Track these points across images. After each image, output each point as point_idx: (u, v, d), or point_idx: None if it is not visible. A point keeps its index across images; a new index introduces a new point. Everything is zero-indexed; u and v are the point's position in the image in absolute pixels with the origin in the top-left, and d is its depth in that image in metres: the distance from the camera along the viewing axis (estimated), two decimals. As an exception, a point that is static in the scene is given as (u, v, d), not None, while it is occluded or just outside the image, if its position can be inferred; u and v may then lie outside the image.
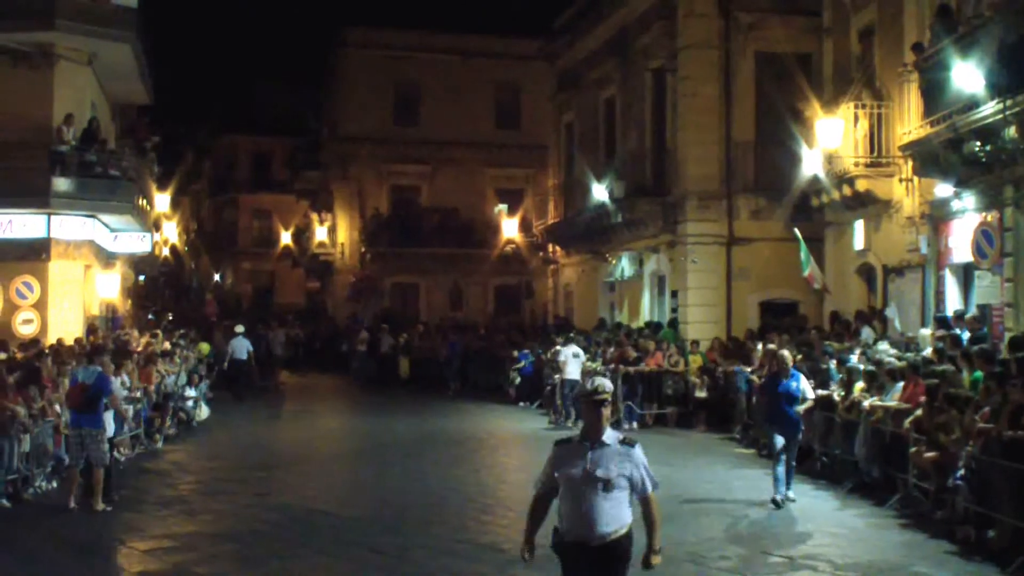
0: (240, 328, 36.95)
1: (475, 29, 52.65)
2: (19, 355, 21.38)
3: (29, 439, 17.10)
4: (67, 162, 27.22)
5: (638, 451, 8.11)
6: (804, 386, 17.01)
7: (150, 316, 45.32)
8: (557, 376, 28.31)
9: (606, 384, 8.18)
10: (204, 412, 28.47)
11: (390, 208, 53.49)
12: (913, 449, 15.81)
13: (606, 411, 8.09)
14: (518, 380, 33.01)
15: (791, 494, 16.66)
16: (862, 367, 19.14)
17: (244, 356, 35.07)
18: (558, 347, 28.42)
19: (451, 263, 52.01)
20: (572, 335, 30.77)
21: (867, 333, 22.85)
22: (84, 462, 16.22)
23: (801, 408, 16.84)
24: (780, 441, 16.59)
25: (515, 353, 33.93)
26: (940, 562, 13.24)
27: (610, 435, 8.06)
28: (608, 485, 7.91)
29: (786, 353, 17.64)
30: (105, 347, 20.69)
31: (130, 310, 40.16)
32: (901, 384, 17.41)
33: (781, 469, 16.49)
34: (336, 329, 51.15)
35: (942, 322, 20.15)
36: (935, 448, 15.09)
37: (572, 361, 27.39)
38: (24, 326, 26.86)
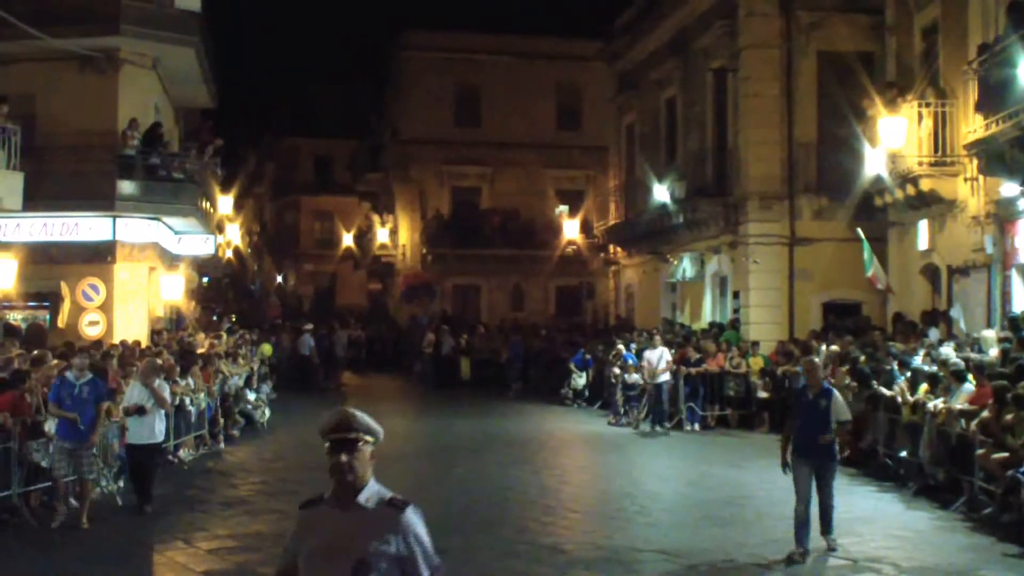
0: (308, 326, 41.16)
1: (536, 31, 52.70)
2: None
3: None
4: (132, 165, 27.53)
5: (410, 518, 5.57)
6: (838, 405, 13.51)
7: (214, 317, 45.73)
8: (622, 376, 28.21)
9: (358, 418, 5.64)
10: (266, 413, 28.61)
11: (451, 209, 53.54)
12: (980, 451, 15.64)
13: (359, 457, 5.56)
14: (582, 383, 32.75)
15: (834, 537, 13.57)
16: (926, 368, 18.97)
17: (307, 352, 39.42)
18: (659, 347, 27.38)
19: (512, 264, 52.02)
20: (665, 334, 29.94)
21: (934, 334, 22.62)
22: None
23: (831, 436, 13.42)
24: (806, 478, 13.25)
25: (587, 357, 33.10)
26: (1008, 566, 13.09)
27: (371, 493, 5.57)
28: (362, 567, 5.44)
29: (816, 360, 14.71)
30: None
31: (196, 312, 40.55)
32: (967, 386, 17.21)
33: (803, 510, 13.17)
34: (399, 330, 51.37)
35: (1014, 322, 19.87)
36: (1003, 450, 14.93)
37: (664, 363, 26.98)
38: (90, 328, 27.20)
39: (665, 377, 26.72)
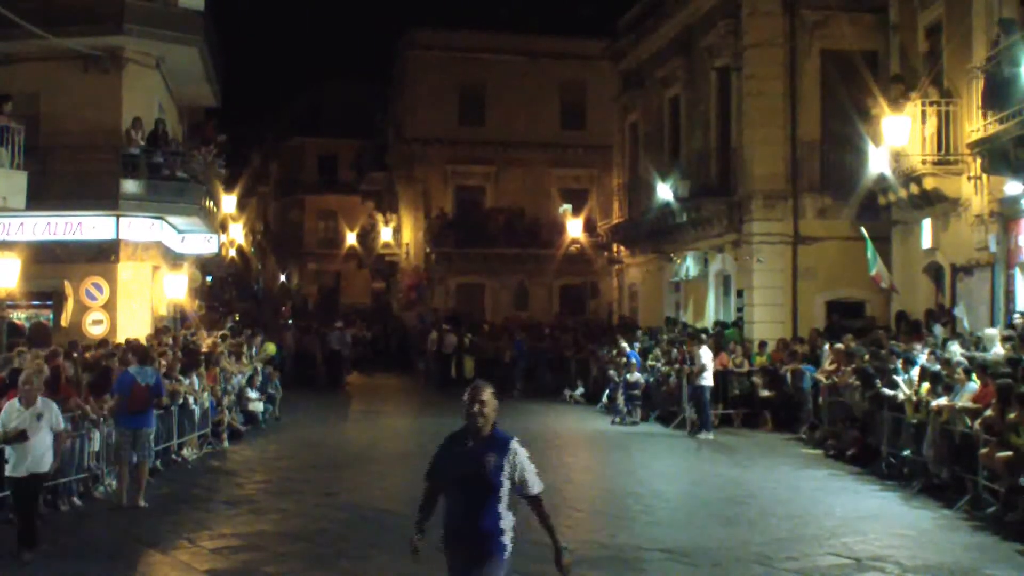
0: (339, 324, 43.56)
1: (540, 30, 52.78)
2: (88, 355, 21.54)
3: (100, 438, 17.31)
4: (136, 164, 27.55)
5: None
6: (520, 467, 8.19)
7: (224, 318, 45.72)
8: (624, 375, 28.13)
9: None
10: (271, 408, 28.57)
11: (455, 208, 53.61)
12: (984, 449, 15.63)
13: None
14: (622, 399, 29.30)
15: None
16: (929, 367, 18.95)
17: (338, 347, 41.22)
18: (703, 347, 25.83)
19: (516, 263, 52.03)
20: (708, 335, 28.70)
21: (939, 332, 22.60)
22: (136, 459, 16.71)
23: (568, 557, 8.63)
24: None
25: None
26: (1013, 565, 13.07)
27: None
28: None
29: (489, 392, 8.50)
30: (151, 348, 20.83)
31: (200, 311, 40.52)
32: (971, 384, 17.19)
33: None
34: (404, 329, 51.35)
35: (1019, 320, 19.84)
36: (1007, 448, 14.92)
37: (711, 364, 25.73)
38: (94, 327, 27.22)
39: (709, 379, 25.47)
